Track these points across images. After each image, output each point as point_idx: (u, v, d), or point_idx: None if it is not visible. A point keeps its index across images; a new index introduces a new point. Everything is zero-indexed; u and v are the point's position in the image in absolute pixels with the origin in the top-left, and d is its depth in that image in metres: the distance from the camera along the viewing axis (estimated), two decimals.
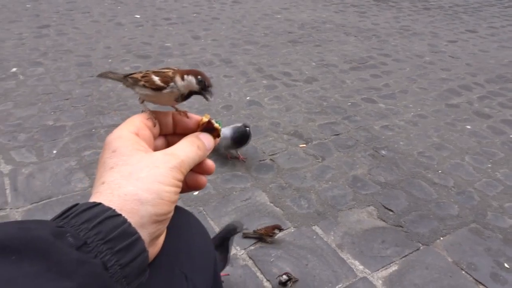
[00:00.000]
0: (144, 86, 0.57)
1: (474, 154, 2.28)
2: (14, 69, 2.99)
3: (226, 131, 2.00)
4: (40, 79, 2.87)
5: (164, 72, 0.57)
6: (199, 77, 0.56)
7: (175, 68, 0.58)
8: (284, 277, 1.41)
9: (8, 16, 4.20)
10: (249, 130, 2.00)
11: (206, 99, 0.57)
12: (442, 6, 5.91)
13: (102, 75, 0.65)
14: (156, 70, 0.58)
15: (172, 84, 0.56)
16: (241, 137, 2.00)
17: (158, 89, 0.56)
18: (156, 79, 0.56)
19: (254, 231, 1.61)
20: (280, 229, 1.60)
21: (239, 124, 2.03)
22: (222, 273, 1.47)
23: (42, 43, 3.54)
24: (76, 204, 0.41)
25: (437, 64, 3.62)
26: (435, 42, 4.24)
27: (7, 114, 2.40)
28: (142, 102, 0.60)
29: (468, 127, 2.58)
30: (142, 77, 0.58)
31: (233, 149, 2.08)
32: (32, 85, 2.77)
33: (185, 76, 0.56)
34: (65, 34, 3.79)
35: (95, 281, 0.35)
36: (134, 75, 0.60)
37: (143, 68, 3.18)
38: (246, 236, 1.62)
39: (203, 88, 0.56)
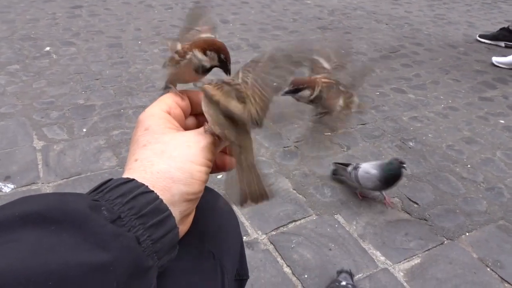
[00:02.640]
0: (168, 65, 0.58)
1: (507, 150, 2.20)
2: (47, 48, 3.07)
3: (369, 169, 1.66)
4: (72, 59, 2.94)
5: (179, 49, 0.57)
6: (221, 55, 0.56)
7: (195, 39, 0.58)
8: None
9: None
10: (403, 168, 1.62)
11: (227, 73, 0.58)
12: None
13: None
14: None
15: (189, 55, 0.55)
16: (393, 178, 1.64)
17: (177, 63, 0.57)
18: (174, 55, 0.57)
19: None
20: None
21: (386, 161, 1.68)
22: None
23: (74, 24, 3.61)
24: (110, 179, 0.43)
25: (472, 55, 3.49)
26: (470, 32, 4.08)
27: (41, 92, 2.47)
28: (168, 84, 0.60)
29: (502, 121, 2.49)
30: (176, 52, 0.58)
31: (381, 190, 1.72)
32: (65, 64, 2.84)
33: (208, 52, 0.55)
34: (97, 15, 3.85)
35: (129, 254, 0.36)
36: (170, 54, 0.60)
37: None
38: None
39: (224, 64, 0.57)
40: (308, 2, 4.80)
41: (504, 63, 3.30)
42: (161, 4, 4.30)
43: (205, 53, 0.55)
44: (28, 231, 0.33)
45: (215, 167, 0.54)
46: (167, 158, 0.45)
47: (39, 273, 0.30)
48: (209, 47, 0.55)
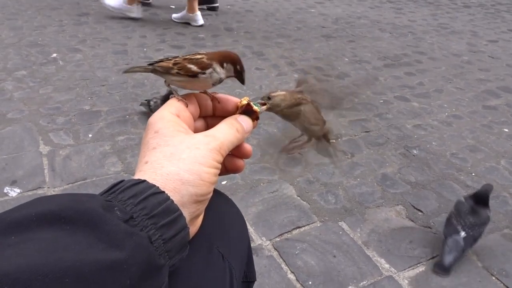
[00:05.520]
0: (178, 73, 0.57)
1: (511, 158, 2.20)
2: (54, 55, 3.10)
3: None
4: (79, 65, 2.96)
5: (197, 58, 0.57)
6: (238, 66, 0.58)
7: (204, 52, 0.58)
8: None
9: (50, 3, 4.35)
10: None
11: (242, 82, 0.60)
12: (483, 4, 5.68)
13: (128, 71, 0.66)
14: (186, 57, 0.58)
15: (210, 70, 0.56)
16: None
17: (194, 75, 0.57)
18: (191, 66, 0.56)
19: None
20: None
21: None
22: None
23: (81, 30, 3.65)
24: (122, 180, 0.44)
25: (475, 64, 3.50)
26: (474, 41, 4.09)
27: (47, 98, 2.50)
28: (169, 86, 0.60)
29: (506, 130, 2.49)
30: (174, 64, 0.58)
31: None
32: (71, 71, 2.87)
33: (225, 65, 0.57)
34: (103, 22, 3.89)
35: (142, 253, 0.37)
36: (163, 64, 0.59)
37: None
38: None
39: (239, 74, 0.59)
40: (312, 10, 4.84)
41: (178, 17, 3.97)
42: (166, 12, 4.35)
43: (222, 66, 0.57)
44: (44, 230, 0.34)
45: (225, 169, 0.54)
46: (176, 160, 0.45)
47: (56, 269, 0.31)
48: (225, 59, 0.57)
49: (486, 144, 2.32)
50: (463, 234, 1.48)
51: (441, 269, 1.48)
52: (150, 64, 0.62)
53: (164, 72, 0.59)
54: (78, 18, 3.98)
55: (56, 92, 2.57)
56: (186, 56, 0.59)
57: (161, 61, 0.60)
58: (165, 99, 2.37)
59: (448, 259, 1.47)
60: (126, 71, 0.67)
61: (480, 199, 1.53)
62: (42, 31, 3.59)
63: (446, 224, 1.56)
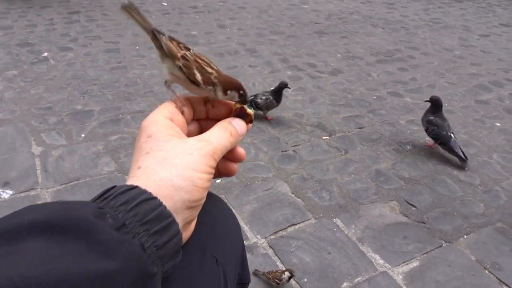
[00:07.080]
0: (180, 69, 0.54)
1: (503, 152, 2.22)
2: (45, 54, 3.07)
3: None
4: (70, 64, 2.94)
5: (207, 70, 0.54)
6: (241, 91, 0.55)
7: (216, 70, 0.55)
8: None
9: (40, 2, 4.30)
10: None
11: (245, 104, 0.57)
12: None
13: (126, 9, 0.56)
14: (198, 60, 0.55)
15: (210, 88, 0.54)
16: None
17: (194, 82, 0.54)
18: (197, 72, 0.54)
19: (264, 273, 1.42)
20: (291, 275, 1.39)
21: None
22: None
23: (72, 29, 3.61)
24: (114, 186, 0.43)
25: (467, 58, 3.52)
26: (466, 35, 4.11)
27: (39, 98, 2.47)
28: (169, 86, 0.57)
29: (498, 124, 2.51)
30: (182, 57, 0.54)
31: None
32: (62, 70, 2.84)
33: (228, 92, 0.55)
34: (94, 20, 3.86)
35: (134, 261, 0.36)
36: (172, 47, 0.54)
37: None
38: (256, 274, 1.44)
39: (243, 99, 0.56)
40: (305, 6, 4.83)
41: None
42: (158, 10, 4.32)
43: (225, 93, 0.55)
44: (35, 240, 0.34)
45: (218, 173, 0.54)
46: (169, 166, 0.45)
47: (47, 279, 0.30)
48: (230, 87, 0.55)
49: (479, 139, 2.34)
50: (453, 135, 2.11)
51: (463, 160, 2.06)
52: (154, 33, 0.55)
53: (168, 54, 0.54)
54: (69, 16, 3.95)
55: (47, 91, 2.55)
56: (198, 56, 0.55)
57: (172, 39, 0.55)
58: (277, 92, 2.31)
59: (461, 153, 2.07)
60: (124, 8, 0.56)
61: (439, 106, 2.17)
62: (32, 29, 3.55)
63: (440, 137, 2.12)
